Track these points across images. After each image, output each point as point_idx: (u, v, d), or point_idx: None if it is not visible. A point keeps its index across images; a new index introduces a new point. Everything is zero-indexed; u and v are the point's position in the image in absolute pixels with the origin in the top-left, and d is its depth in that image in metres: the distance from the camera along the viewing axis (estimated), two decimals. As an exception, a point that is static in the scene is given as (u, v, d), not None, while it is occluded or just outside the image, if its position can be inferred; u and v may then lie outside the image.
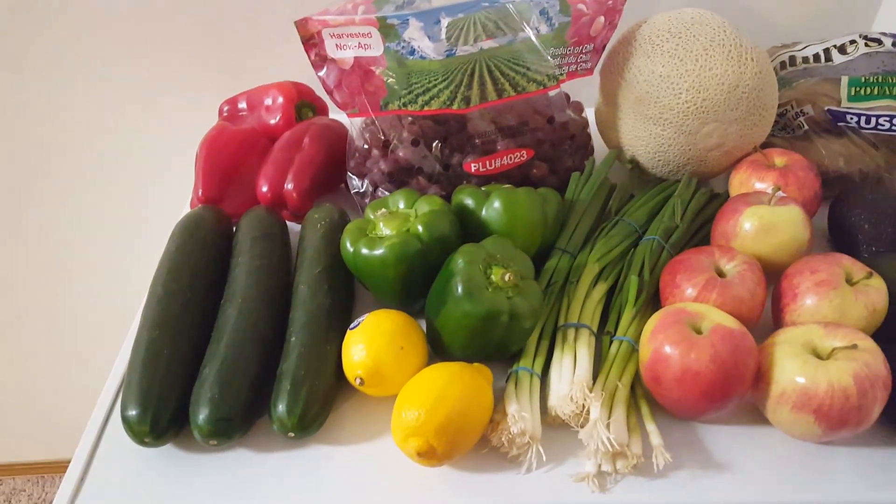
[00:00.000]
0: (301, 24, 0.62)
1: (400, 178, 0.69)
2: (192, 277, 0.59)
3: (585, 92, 0.77)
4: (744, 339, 0.48)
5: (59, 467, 1.54)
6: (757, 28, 0.92)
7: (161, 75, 0.93)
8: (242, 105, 0.85)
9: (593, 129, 0.77)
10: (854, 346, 0.47)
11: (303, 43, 0.63)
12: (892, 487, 0.48)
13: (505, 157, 0.69)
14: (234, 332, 0.54)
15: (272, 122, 0.81)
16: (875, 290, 0.53)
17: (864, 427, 0.47)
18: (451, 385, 0.48)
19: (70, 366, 1.30)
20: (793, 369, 0.47)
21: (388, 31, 0.61)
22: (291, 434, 0.50)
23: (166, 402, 0.50)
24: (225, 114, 0.85)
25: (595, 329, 0.57)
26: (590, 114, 0.77)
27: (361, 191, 0.71)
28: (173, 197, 0.78)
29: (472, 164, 0.68)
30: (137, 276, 0.63)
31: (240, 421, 0.50)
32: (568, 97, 0.73)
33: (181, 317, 0.56)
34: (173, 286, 0.58)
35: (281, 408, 0.50)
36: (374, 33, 0.61)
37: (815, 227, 0.68)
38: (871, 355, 0.47)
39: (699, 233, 0.66)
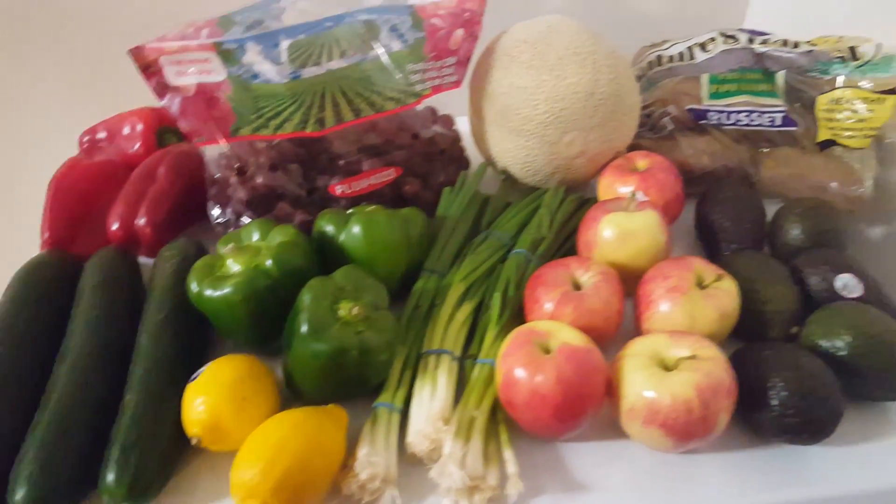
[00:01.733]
0: (136, 53, 0.59)
1: (261, 205, 0.66)
2: (23, 335, 0.54)
3: (460, 105, 0.76)
4: (589, 356, 0.48)
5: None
6: (635, 26, 0.93)
7: (14, 105, 0.87)
8: (102, 135, 0.80)
9: (470, 141, 0.75)
10: (693, 357, 0.46)
11: (141, 71, 0.60)
12: (757, 488, 0.48)
13: (372, 177, 0.67)
14: (62, 396, 0.49)
15: (132, 151, 0.77)
16: (725, 293, 0.53)
17: (713, 435, 0.47)
18: (291, 437, 0.46)
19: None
20: (639, 383, 0.47)
21: (226, 55, 0.58)
22: (123, 505, 0.46)
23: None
24: (85, 145, 0.81)
25: (458, 353, 0.55)
26: (467, 125, 0.76)
27: (223, 220, 0.68)
28: (25, 240, 0.73)
29: (338, 187, 0.66)
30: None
31: (65, 498, 0.46)
32: (435, 111, 0.71)
33: (8, 381, 0.51)
34: (1, 346, 0.53)
35: (109, 477, 0.45)
36: (213, 58, 0.58)
37: (684, 227, 0.69)
38: (713, 364, 0.46)
39: (569, 241, 0.66)
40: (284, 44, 0.58)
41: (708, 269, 0.54)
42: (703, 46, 0.73)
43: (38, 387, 0.52)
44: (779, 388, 0.47)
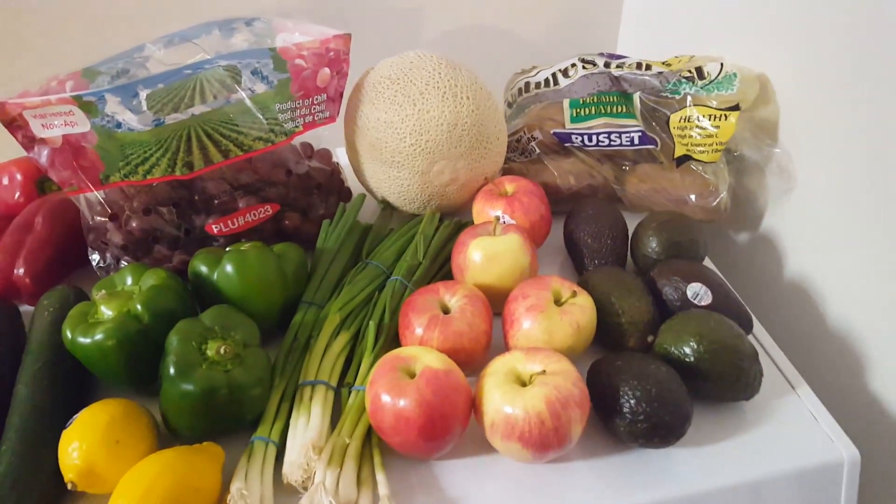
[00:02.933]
0: (-1, 109, 0.59)
1: (139, 248, 0.66)
2: None
3: (338, 139, 0.78)
4: (449, 377, 0.50)
5: None
6: (515, 54, 0.97)
7: None
8: (-21, 186, 0.79)
9: (351, 173, 0.78)
10: (543, 372, 0.49)
11: (5, 126, 0.60)
12: (623, 492, 0.51)
13: (248, 214, 0.68)
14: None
15: (12, 201, 0.76)
16: (580, 308, 0.56)
17: (568, 445, 0.50)
18: (162, 476, 0.46)
19: None
20: (497, 399, 0.49)
21: (87, 107, 0.59)
22: (-2, 560, 0.46)
23: None
24: (-37, 197, 0.79)
25: (334, 383, 0.57)
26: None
27: (104, 265, 0.68)
28: None
29: (214, 226, 0.67)
30: None
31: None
32: (311, 147, 0.73)
33: None
34: None
35: (-15, 528, 0.46)
36: (75, 111, 0.59)
37: (556, 246, 0.73)
38: (563, 377, 0.49)
39: (446, 266, 0.68)
40: (143, 93, 0.59)
41: (564, 287, 0.58)
42: (565, 72, 0.78)
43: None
44: (628, 396, 0.50)
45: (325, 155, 0.74)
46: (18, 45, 0.82)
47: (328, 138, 0.76)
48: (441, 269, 0.68)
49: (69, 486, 0.48)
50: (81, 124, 0.60)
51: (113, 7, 0.82)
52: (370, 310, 0.63)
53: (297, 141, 0.73)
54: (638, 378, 0.50)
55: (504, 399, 0.49)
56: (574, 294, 0.57)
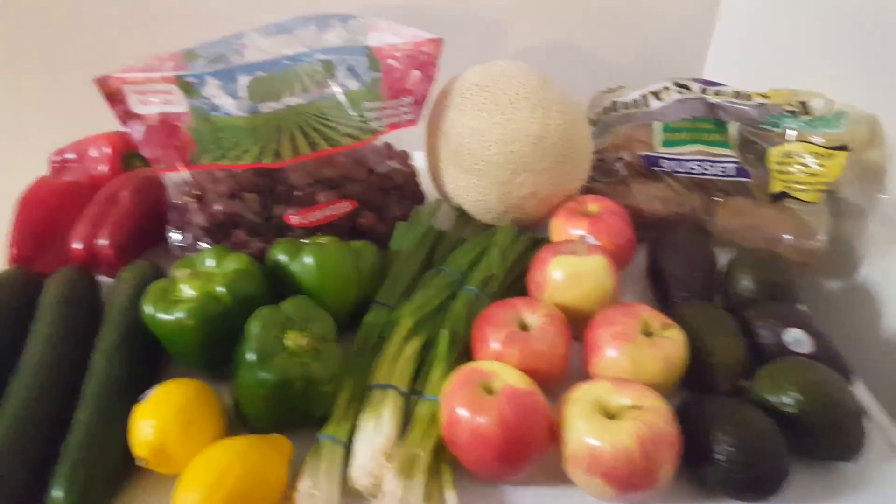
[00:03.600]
0: (102, 82, 0.60)
1: (219, 231, 0.66)
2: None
3: (417, 141, 0.78)
4: (531, 399, 0.48)
5: None
6: (595, 72, 0.96)
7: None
8: (71, 156, 0.80)
9: (426, 177, 0.77)
10: (636, 407, 0.47)
11: (106, 99, 0.61)
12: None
13: (327, 209, 0.68)
14: (15, 411, 0.50)
15: (98, 173, 0.78)
16: (671, 342, 0.54)
17: (656, 488, 0.46)
18: (234, 465, 0.46)
19: None
20: (581, 430, 0.47)
21: (187, 88, 0.59)
22: (69, 522, 0.46)
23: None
24: (55, 165, 0.81)
25: (405, 388, 0.56)
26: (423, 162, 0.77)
27: (183, 245, 0.68)
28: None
29: (293, 217, 0.67)
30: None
31: (16, 510, 0.46)
32: (391, 147, 0.73)
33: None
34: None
35: (56, 493, 0.46)
36: (175, 90, 0.60)
37: (637, 272, 0.70)
38: (656, 415, 0.47)
39: (520, 281, 0.67)
40: (243, 80, 0.59)
41: (655, 318, 0.55)
42: (657, 95, 0.76)
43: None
44: (723, 443, 0.47)
45: (404, 157, 0.74)
46: (127, 24, 0.84)
47: (405, 141, 0.76)
48: (515, 284, 0.67)
49: (139, 463, 0.49)
50: (179, 104, 0.60)
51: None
52: (442, 317, 0.61)
53: (378, 141, 0.72)
54: (735, 424, 0.47)
55: (589, 430, 0.46)
56: (666, 326, 0.54)
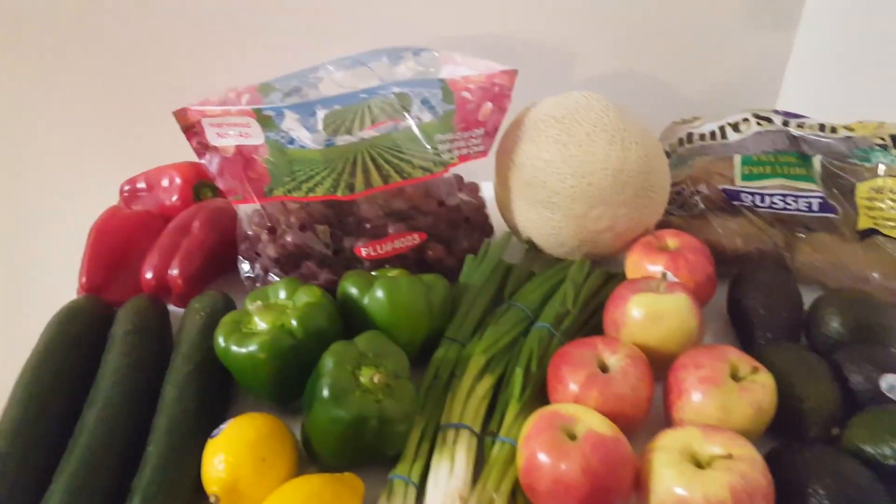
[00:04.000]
0: (180, 114, 0.61)
1: (289, 263, 0.66)
2: (55, 379, 0.55)
3: (489, 172, 0.77)
4: (617, 446, 0.46)
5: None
6: (664, 102, 0.94)
7: (60, 153, 0.90)
8: (141, 185, 0.82)
9: (494, 209, 0.76)
10: (729, 456, 0.44)
11: (183, 131, 0.62)
12: None
13: (396, 241, 0.67)
14: (89, 442, 0.50)
15: (169, 203, 0.79)
16: (761, 387, 0.51)
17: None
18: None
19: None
20: (670, 479, 0.44)
21: (265, 121, 0.60)
22: (140, 559, 0.45)
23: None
24: (125, 194, 0.83)
25: (478, 428, 0.54)
26: (491, 193, 0.76)
27: (253, 276, 0.68)
28: (64, 284, 0.75)
29: (363, 249, 0.66)
30: (12, 373, 0.59)
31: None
32: (461, 179, 0.72)
33: (38, 424, 0.52)
34: (34, 388, 0.54)
35: (129, 529, 0.45)
36: (252, 123, 0.60)
37: (717, 312, 0.67)
38: (750, 465, 0.44)
39: (594, 317, 0.65)
40: (320, 113, 0.59)
41: (743, 361, 0.52)
42: (735, 126, 0.73)
43: (67, 429, 0.52)
44: (820, 497, 0.44)
45: (474, 189, 0.73)
46: (201, 55, 0.87)
47: (472, 172, 0.75)
48: (588, 321, 0.64)
49: (212, 500, 0.48)
50: (256, 137, 0.61)
51: (288, 27, 0.85)
52: (514, 354, 0.60)
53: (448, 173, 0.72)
54: (833, 476, 0.44)
55: (679, 480, 0.44)
56: (755, 370, 0.52)
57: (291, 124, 0.59)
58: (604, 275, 0.68)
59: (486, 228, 0.74)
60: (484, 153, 0.69)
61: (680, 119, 0.81)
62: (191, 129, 0.61)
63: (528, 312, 0.63)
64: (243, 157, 0.62)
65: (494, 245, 0.70)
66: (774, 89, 0.96)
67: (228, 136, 0.61)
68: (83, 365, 0.59)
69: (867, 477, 0.45)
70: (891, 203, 0.65)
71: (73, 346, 0.60)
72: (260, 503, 0.47)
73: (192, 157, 0.82)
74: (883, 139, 0.67)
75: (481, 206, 0.72)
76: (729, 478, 0.43)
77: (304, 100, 0.60)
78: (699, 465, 0.45)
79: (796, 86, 0.94)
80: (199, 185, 0.80)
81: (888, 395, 0.52)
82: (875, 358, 0.54)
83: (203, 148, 0.62)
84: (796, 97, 0.94)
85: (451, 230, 0.70)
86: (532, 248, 0.72)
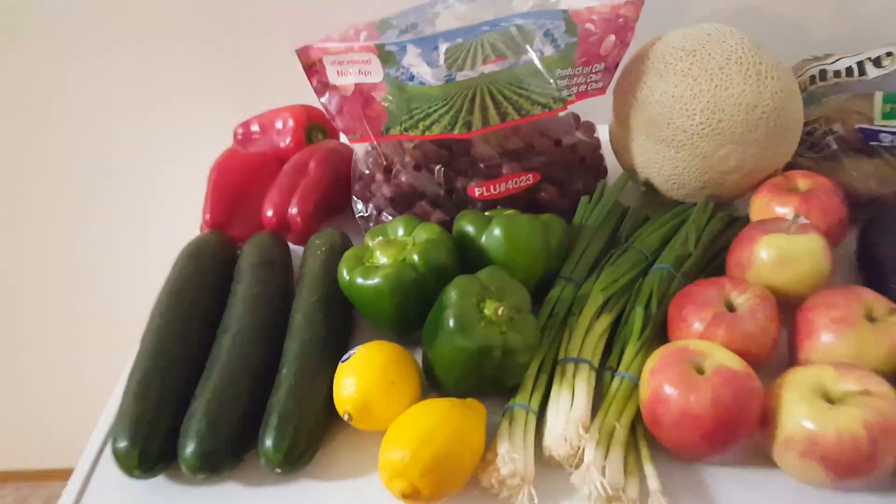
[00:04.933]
0: (303, 52, 0.62)
1: (403, 202, 0.67)
2: (190, 306, 0.59)
3: (600, 111, 0.74)
4: (748, 381, 0.45)
5: (49, 475, 1.58)
6: (788, 38, 0.88)
7: (177, 98, 0.95)
8: (255, 128, 0.85)
9: (608, 149, 0.74)
10: (867, 392, 0.43)
11: (304, 70, 0.63)
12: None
13: (510, 182, 0.67)
14: (225, 364, 0.54)
15: (282, 144, 0.82)
16: (899, 330, 0.49)
17: (876, 476, 0.43)
18: (439, 424, 0.47)
19: (70, 383, 1.35)
20: (800, 414, 0.44)
21: (387, 57, 0.60)
22: (278, 470, 0.49)
23: (155, 436, 0.50)
24: (239, 136, 0.86)
25: (596, 364, 0.54)
26: (605, 133, 0.74)
27: (366, 215, 0.70)
28: (186, 220, 0.80)
29: (476, 189, 0.66)
30: (144, 300, 0.64)
31: (228, 455, 0.50)
32: (578, 118, 0.71)
33: (176, 347, 0.55)
34: (170, 315, 0.58)
35: (268, 443, 0.49)
36: (373, 60, 0.61)
37: (843, 256, 0.64)
38: (886, 402, 0.43)
39: (715, 260, 0.63)
40: (442, 47, 0.59)
41: (880, 302, 0.50)
42: (876, 62, 0.68)
43: (203, 351, 0.56)
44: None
45: (590, 128, 0.71)
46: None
47: (586, 111, 0.73)
48: (709, 265, 0.63)
49: (345, 418, 0.51)
50: (375, 74, 0.61)
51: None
52: (632, 295, 0.59)
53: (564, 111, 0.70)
54: None
55: (809, 414, 0.43)
56: (892, 312, 0.49)
57: (413, 59, 0.59)
58: (727, 217, 0.65)
59: (602, 170, 0.72)
60: (602, 90, 0.67)
61: (810, 56, 0.76)
62: (312, 68, 0.63)
63: (646, 254, 0.62)
64: (362, 95, 0.63)
65: (611, 186, 0.68)
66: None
67: (349, 74, 0.62)
68: (214, 294, 0.62)
69: None
70: None
71: (203, 275, 0.63)
72: (389, 422, 0.49)
73: (301, 100, 0.86)
74: None
75: (597, 146, 0.71)
76: (864, 413, 0.42)
77: (427, 34, 0.60)
78: (830, 401, 0.44)
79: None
80: (310, 127, 0.82)
81: None
82: None
83: (323, 87, 0.64)
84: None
85: (565, 171, 0.69)
86: (650, 189, 0.70)
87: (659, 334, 0.56)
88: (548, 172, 0.68)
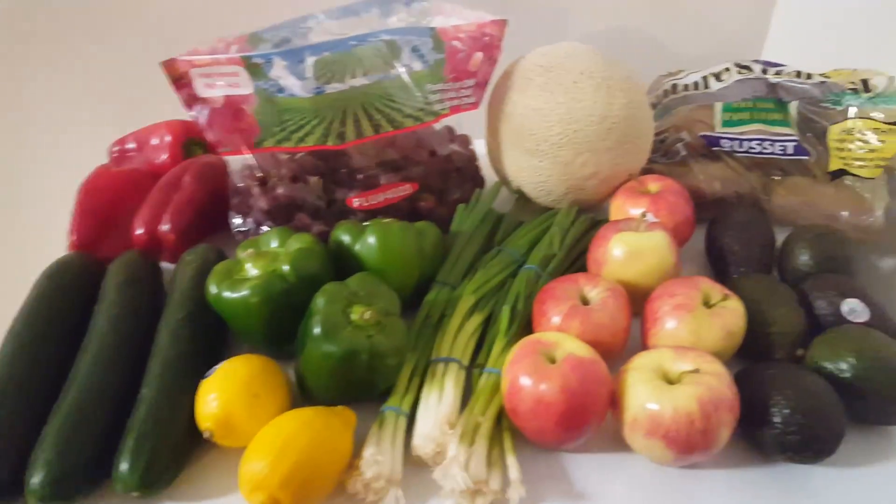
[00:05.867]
0: (168, 65, 0.61)
1: (281, 215, 0.68)
2: (47, 328, 0.57)
3: (477, 127, 0.78)
4: (594, 366, 0.48)
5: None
6: (653, 56, 0.95)
7: (49, 117, 0.91)
8: (131, 145, 0.83)
9: (486, 161, 0.77)
10: (696, 371, 0.47)
11: (172, 83, 0.62)
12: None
13: (389, 192, 0.69)
14: (82, 386, 0.51)
15: (158, 161, 0.80)
16: (731, 312, 0.54)
17: (714, 450, 0.47)
18: (299, 434, 0.47)
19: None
20: (642, 395, 0.47)
21: (254, 69, 0.60)
22: (135, 494, 0.47)
23: (3, 465, 0.47)
24: (115, 154, 0.84)
25: (467, 362, 0.56)
26: (483, 146, 0.78)
27: (244, 230, 0.70)
28: (56, 243, 0.77)
29: (355, 200, 0.68)
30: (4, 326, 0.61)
31: (82, 481, 0.47)
32: (453, 130, 0.74)
33: (31, 371, 0.53)
34: (26, 336, 0.55)
35: (122, 466, 0.47)
36: (241, 72, 0.61)
37: (694, 250, 0.70)
38: (716, 378, 0.47)
39: (579, 260, 0.67)
40: (310, 60, 0.60)
41: (714, 289, 0.55)
42: (717, 76, 0.75)
43: (59, 378, 0.53)
44: (781, 406, 0.47)
45: (465, 140, 0.74)
46: (188, 6, 0.87)
47: (465, 127, 0.76)
48: (574, 264, 0.67)
49: (205, 435, 0.49)
50: (244, 86, 0.62)
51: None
52: (502, 295, 0.62)
53: (440, 124, 0.73)
54: (793, 388, 0.48)
55: (651, 395, 0.47)
56: (725, 297, 0.54)
57: (280, 72, 0.60)
58: (589, 221, 0.70)
59: (478, 179, 0.75)
60: (475, 105, 0.70)
61: (666, 72, 0.82)
62: (180, 80, 0.62)
63: (516, 256, 0.65)
64: (232, 107, 0.63)
65: (485, 194, 0.71)
66: (760, 42, 0.97)
67: (217, 87, 0.62)
68: (74, 315, 0.59)
69: (823, 386, 0.49)
70: (859, 143, 0.67)
71: (64, 296, 0.61)
72: (253, 437, 0.48)
73: (182, 116, 0.84)
74: (854, 83, 0.69)
75: (472, 157, 0.74)
76: (696, 390, 0.46)
77: (295, 47, 0.61)
78: (670, 382, 0.48)
79: (782, 38, 0.96)
80: (188, 143, 0.81)
81: (847, 317, 0.56)
82: (838, 286, 0.58)
83: (192, 99, 0.63)
84: (782, 49, 0.96)
85: (442, 180, 0.72)
86: (522, 197, 0.74)
87: (526, 330, 0.59)
88: (426, 182, 0.70)
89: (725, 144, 0.73)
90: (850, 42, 0.83)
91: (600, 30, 0.94)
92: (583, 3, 0.92)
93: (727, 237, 0.65)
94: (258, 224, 0.69)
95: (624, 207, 0.66)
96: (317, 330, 0.50)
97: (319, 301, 0.52)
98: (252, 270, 0.57)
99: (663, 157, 0.75)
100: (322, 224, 0.68)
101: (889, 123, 0.66)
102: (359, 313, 0.52)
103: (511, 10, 0.89)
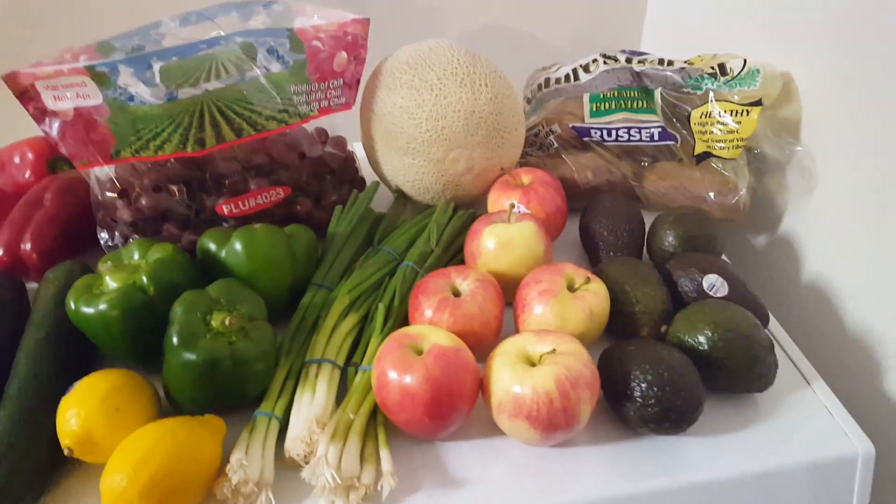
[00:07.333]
0: (10, 78, 0.58)
1: (147, 227, 0.65)
2: None
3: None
4: (458, 355, 0.49)
5: None
6: (534, 52, 0.97)
7: None
8: (-8, 165, 0.78)
9: (366, 163, 0.77)
10: (553, 351, 0.48)
11: (17, 97, 0.59)
12: (629, 478, 0.50)
13: (259, 197, 0.67)
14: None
15: (22, 180, 0.76)
16: (594, 295, 0.55)
17: (577, 426, 0.48)
18: (159, 444, 0.45)
19: None
20: (506, 379, 0.48)
21: (100, 79, 0.58)
22: (-12, 520, 0.45)
23: None
24: (-24, 175, 0.79)
25: (341, 362, 0.55)
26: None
27: (112, 244, 0.67)
28: None
29: (224, 206, 0.66)
30: None
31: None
32: (325, 132, 0.73)
33: None
34: None
35: (-23, 489, 0.44)
36: (88, 82, 0.58)
37: (571, 239, 0.71)
38: (574, 358, 0.48)
39: (458, 255, 0.67)
40: (157, 66, 0.58)
41: (578, 273, 0.56)
42: (585, 68, 0.77)
43: None
44: (639, 380, 0.49)
45: (340, 142, 0.73)
46: (33, 17, 0.83)
47: (346, 130, 0.75)
48: (453, 259, 0.67)
49: (66, 452, 0.47)
50: (94, 96, 0.59)
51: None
52: (380, 293, 0.61)
53: (311, 126, 0.72)
54: (650, 362, 0.49)
55: (513, 378, 0.48)
56: (588, 280, 0.55)
57: (128, 79, 0.58)
58: (468, 216, 0.70)
59: (357, 181, 0.75)
60: (348, 105, 0.70)
61: (541, 66, 0.84)
62: (25, 95, 0.59)
63: (395, 255, 0.65)
64: (84, 119, 0.60)
65: (362, 195, 0.71)
66: (637, 34, 1.01)
67: (66, 99, 0.59)
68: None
69: (679, 359, 0.50)
70: (719, 126, 0.70)
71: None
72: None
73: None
74: (712, 68, 0.73)
75: (349, 158, 0.73)
76: (554, 371, 0.47)
77: (140, 54, 0.59)
78: (532, 364, 0.49)
79: (657, 29, 0.99)
80: (54, 160, 0.77)
81: (709, 292, 0.58)
82: (700, 263, 0.60)
83: (41, 113, 0.60)
84: (657, 40, 0.99)
85: (317, 183, 0.71)
86: (401, 196, 0.73)
87: (403, 326, 0.59)
88: (299, 186, 0.69)
89: (595, 134, 0.75)
90: (715, 29, 0.86)
91: (477, 28, 0.95)
92: (458, 2, 0.93)
93: (597, 224, 0.67)
94: (126, 238, 0.66)
95: (499, 201, 0.67)
96: (175, 339, 0.49)
97: (177, 310, 0.50)
98: (112, 284, 0.55)
99: (538, 150, 0.77)
100: (192, 233, 0.66)
101: (744, 105, 0.70)
102: (219, 320, 0.50)
103: (383, 11, 0.90)
